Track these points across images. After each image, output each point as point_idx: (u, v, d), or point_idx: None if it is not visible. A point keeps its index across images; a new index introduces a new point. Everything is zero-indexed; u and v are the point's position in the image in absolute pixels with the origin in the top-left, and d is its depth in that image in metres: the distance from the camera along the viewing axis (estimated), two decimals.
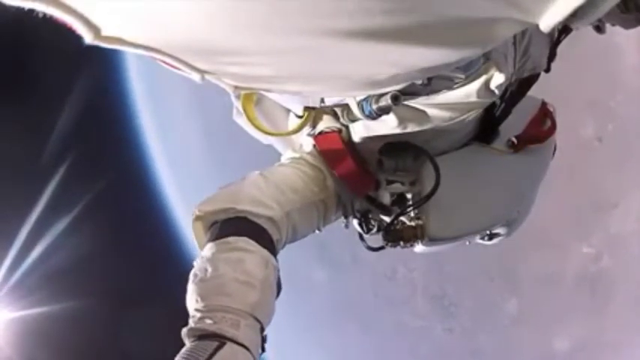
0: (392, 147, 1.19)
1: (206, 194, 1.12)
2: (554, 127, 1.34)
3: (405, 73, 0.73)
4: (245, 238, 0.99)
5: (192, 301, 0.92)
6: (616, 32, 1.10)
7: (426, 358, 5.21)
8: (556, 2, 0.54)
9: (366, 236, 1.35)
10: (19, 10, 0.50)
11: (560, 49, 1.22)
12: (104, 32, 0.58)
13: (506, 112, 1.24)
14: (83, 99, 4.89)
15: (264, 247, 1.01)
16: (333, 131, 1.23)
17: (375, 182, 1.27)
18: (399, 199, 1.26)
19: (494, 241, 1.41)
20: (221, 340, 0.84)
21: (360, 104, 0.99)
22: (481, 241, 1.41)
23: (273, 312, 0.97)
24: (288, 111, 1.21)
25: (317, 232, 1.27)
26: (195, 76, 0.70)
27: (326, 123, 1.23)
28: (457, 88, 1.01)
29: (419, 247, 1.25)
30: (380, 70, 0.71)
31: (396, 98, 0.91)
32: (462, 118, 1.09)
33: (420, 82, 0.98)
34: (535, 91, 1.30)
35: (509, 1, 0.55)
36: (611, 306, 3.93)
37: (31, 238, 4.62)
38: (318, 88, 0.87)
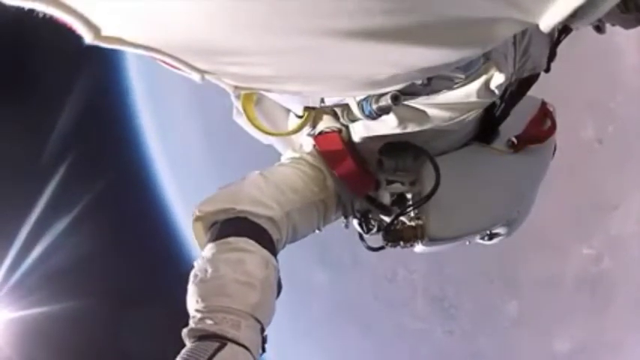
0: (392, 147, 1.19)
1: (206, 194, 1.12)
2: (554, 127, 1.34)
3: (405, 73, 0.73)
4: (245, 239, 0.99)
5: (192, 302, 0.92)
6: (616, 32, 1.10)
7: None
8: (556, 2, 0.54)
9: (366, 236, 1.35)
10: (19, 10, 0.50)
11: (560, 49, 1.22)
12: (104, 32, 0.58)
13: (506, 112, 1.24)
14: (83, 99, 4.89)
15: (265, 247, 1.01)
16: (333, 131, 1.23)
17: (375, 182, 1.27)
18: (399, 199, 1.26)
19: (495, 241, 1.41)
20: (222, 340, 0.84)
21: (360, 104, 0.99)
22: (481, 241, 1.41)
23: (274, 312, 0.97)
24: (288, 111, 1.21)
25: (317, 231, 1.27)
26: (195, 76, 0.70)
27: (326, 123, 1.23)
28: (457, 88, 1.01)
29: (419, 247, 1.25)
30: (380, 70, 0.71)
31: (396, 98, 0.91)
32: (461, 118, 1.09)
33: (420, 82, 0.98)
34: (535, 92, 1.30)
35: (509, 1, 0.55)
36: (611, 307, 3.93)
37: (31, 238, 4.62)
38: (318, 88, 0.87)
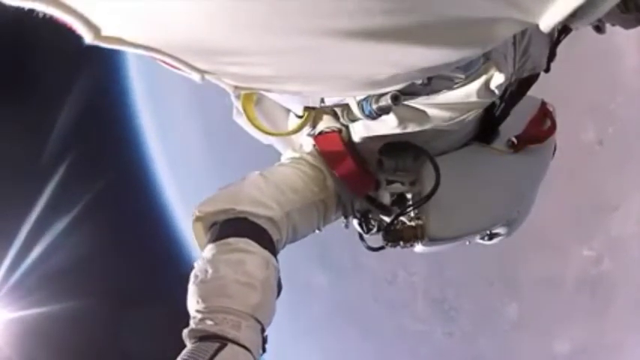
0: (392, 147, 1.19)
1: (206, 194, 1.12)
2: (554, 127, 1.34)
3: (405, 73, 0.73)
4: (245, 239, 0.99)
5: (193, 303, 0.92)
6: (616, 33, 1.10)
7: None
8: (556, 2, 0.54)
9: (366, 236, 1.35)
10: (19, 10, 0.50)
11: (560, 49, 1.22)
12: (104, 32, 0.58)
13: (506, 112, 1.24)
14: (83, 99, 4.89)
15: (265, 247, 1.01)
16: (333, 131, 1.23)
17: (375, 182, 1.27)
18: (399, 199, 1.26)
19: (495, 241, 1.41)
20: (222, 341, 0.84)
21: (360, 104, 0.99)
22: (481, 241, 1.41)
23: (274, 312, 0.97)
24: (288, 111, 1.21)
25: (317, 231, 1.27)
26: (195, 76, 0.70)
27: (326, 123, 1.23)
28: (457, 88, 1.01)
29: (419, 247, 1.25)
30: (380, 70, 0.71)
31: (396, 98, 0.91)
32: (461, 118, 1.09)
33: (420, 82, 0.98)
34: (535, 92, 1.30)
35: (509, 1, 0.55)
36: (611, 309, 3.93)
37: (31, 238, 4.62)
38: (318, 88, 0.87)
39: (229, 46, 0.63)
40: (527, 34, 1.09)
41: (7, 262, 4.52)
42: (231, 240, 0.99)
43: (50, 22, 0.54)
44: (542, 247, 4.02)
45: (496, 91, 1.02)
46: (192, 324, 0.89)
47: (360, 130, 1.21)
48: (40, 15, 0.52)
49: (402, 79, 0.82)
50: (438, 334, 4.98)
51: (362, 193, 1.29)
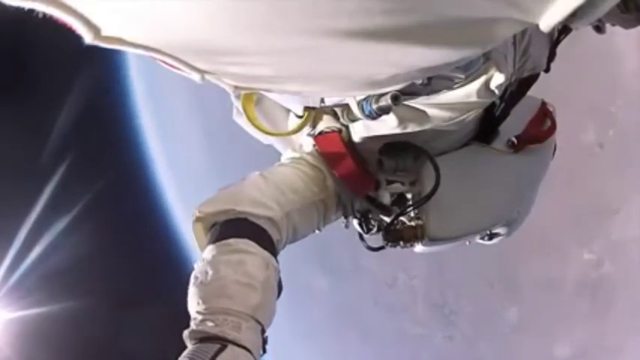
0: (392, 147, 1.19)
1: (206, 194, 1.12)
2: (554, 127, 1.34)
3: (405, 73, 0.73)
4: (245, 240, 0.99)
5: (193, 304, 0.92)
6: (616, 35, 1.10)
7: None
8: (556, 2, 0.54)
9: (366, 236, 1.35)
10: (19, 10, 0.50)
11: (560, 49, 1.22)
12: (104, 32, 0.58)
13: (506, 112, 1.24)
14: (83, 99, 4.89)
15: (265, 248, 1.01)
16: (333, 131, 1.23)
17: (375, 182, 1.27)
18: (399, 199, 1.26)
19: (495, 241, 1.41)
20: (222, 342, 0.84)
21: (360, 104, 0.99)
22: (481, 241, 1.41)
23: (274, 313, 0.97)
24: (288, 111, 1.21)
25: (317, 232, 1.27)
26: (195, 76, 0.70)
27: (326, 123, 1.23)
28: (457, 88, 1.01)
29: (419, 247, 1.25)
30: (380, 70, 0.71)
31: (396, 98, 0.91)
32: (461, 118, 1.09)
33: (420, 82, 0.98)
34: (535, 93, 1.30)
35: (509, 1, 0.55)
36: (611, 312, 3.92)
37: (31, 238, 4.61)
38: (318, 88, 0.87)
39: (229, 46, 0.63)
40: (527, 34, 1.09)
41: (7, 262, 4.51)
42: (232, 241, 0.99)
43: (50, 22, 0.53)
44: (543, 250, 4.02)
45: (496, 91, 1.02)
46: (192, 325, 0.89)
47: (360, 130, 1.21)
48: (40, 15, 0.52)
49: (402, 79, 0.82)
50: (438, 338, 4.98)
51: (362, 193, 1.29)
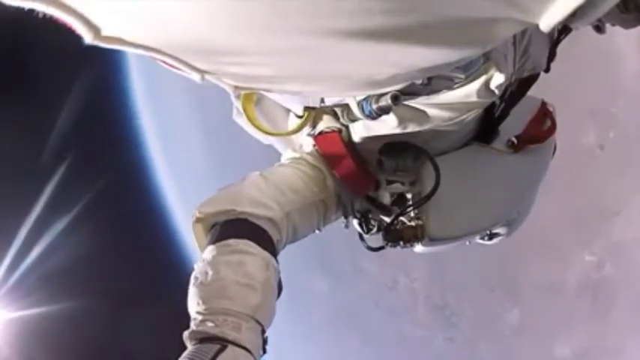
0: (392, 147, 1.19)
1: (206, 194, 1.12)
2: (554, 127, 1.34)
3: (404, 73, 0.73)
4: (246, 241, 0.99)
5: (193, 304, 0.92)
6: (616, 36, 1.10)
7: None
8: (556, 2, 0.54)
9: (366, 236, 1.35)
10: (19, 10, 0.50)
11: (560, 49, 1.22)
12: (104, 32, 0.58)
13: (506, 112, 1.24)
14: (83, 99, 4.90)
15: (265, 248, 1.01)
16: (333, 131, 1.23)
17: (375, 182, 1.27)
18: (399, 199, 1.26)
19: (495, 240, 1.41)
20: (223, 343, 0.84)
21: (360, 104, 0.99)
22: (481, 241, 1.41)
23: (275, 313, 0.97)
24: (288, 111, 1.21)
25: (317, 232, 1.27)
26: (195, 76, 0.70)
27: (326, 123, 1.23)
28: (457, 88, 1.01)
29: (419, 247, 1.25)
30: (380, 70, 0.71)
31: (396, 98, 0.91)
32: (461, 118, 1.09)
33: (420, 82, 0.98)
34: (535, 93, 1.30)
35: (509, 1, 0.55)
36: (612, 313, 3.92)
37: (31, 238, 4.62)
38: (318, 88, 0.87)
39: (229, 46, 0.63)
40: (527, 34, 1.09)
41: (7, 262, 4.52)
42: (232, 241, 0.99)
43: (50, 22, 0.53)
44: (544, 251, 4.01)
45: (496, 91, 1.03)
46: (192, 326, 0.89)
47: (360, 130, 1.21)
48: (40, 15, 0.52)
49: (402, 79, 0.82)
50: (439, 340, 4.97)
51: (362, 193, 1.29)
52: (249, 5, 0.54)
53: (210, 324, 0.87)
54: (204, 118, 5.87)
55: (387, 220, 1.27)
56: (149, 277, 5.47)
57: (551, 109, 1.35)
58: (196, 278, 0.95)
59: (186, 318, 0.92)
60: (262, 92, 1.04)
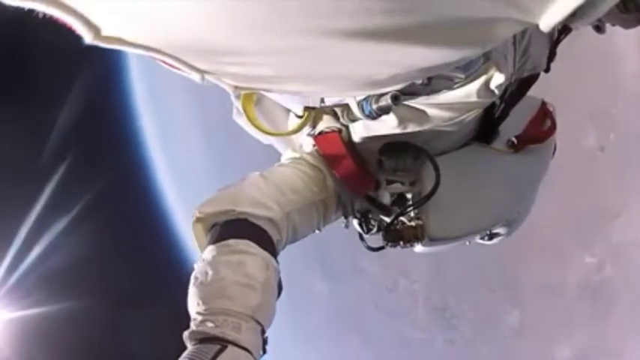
0: (392, 147, 1.19)
1: (206, 194, 1.12)
2: (554, 127, 1.34)
3: (404, 73, 0.73)
4: (246, 241, 0.99)
5: (193, 304, 0.92)
6: (616, 36, 1.10)
7: None
8: (556, 2, 0.54)
9: (366, 236, 1.35)
10: (19, 10, 0.50)
11: (560, 49, 1.22)
12: (104, 32, 0.58)
13: (506, 112, 1.24)
14: (83, 99, 4.90)
15: (265, 248, 1.01)
16: (333, 131, 1.23)
17: (375, 182, 1.27)
18: (399, 199, 1.26)
19: (495, 241, 1.41)
20: (222, 343, 0.84)
21: (360, 104, 0.99)
22: (481, 241, 1.41)
23: (275, 314, 0.97)
24: (288, 111, 1.21)
25: (317, 232, 1.27)
26: (195, 76, 0.70)
27: (326, 123, 1.23)
28: (457, 88, 1.01)
29: (419, 248, 1.25)
30: (380, 70, 0.71)
31: (396, 98, 0.91)
32: (461, 118, 1.09)
33: (420, 82, 0.98)
34: (535, 94, 1.30)
35: (509, 1, 0.55)
36: (612, 315, 3.91)
37: (30, 238, 4.61)
38: (318, 88, 0.87)
39: (229, 46, 0.63)
40: (527, 34, 1.09)
41: (7, 262, 4.51)
42: (232, 242, 0.99)
43: (50, 22, 0.53)
44: (544, 253, 4.01)
45: (496, 91, 1.03)
46: (192, 326, 0.89)
47: (360, 130, 1.21)
48: (40, 15, 0.52)
49: (402, 79, 0.82)
50: (439, 342, 4.97)
51: (362, 193, 1.29)
52: (249, 5, 0.54)
53: (210, 324, 0.87)
54: (204, 118, 5.87)
55: (387, 220, 1.27)
56: (149, 277, 5.46)
57: (551, 109, 1.35)
58: (196, 278, 0.95)
59: (186, 318, 0.92)
60: (262, 92, 1.04)
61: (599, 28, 1.10)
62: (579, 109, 3.56)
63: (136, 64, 5.85)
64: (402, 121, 1.09)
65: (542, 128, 1.33)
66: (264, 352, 0.93)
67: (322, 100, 1.08)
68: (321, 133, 1.24)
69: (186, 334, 0.89)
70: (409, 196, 1.24)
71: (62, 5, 0.52)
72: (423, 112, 1.07)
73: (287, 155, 1.30)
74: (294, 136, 1.26)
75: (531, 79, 1.23)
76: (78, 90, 4.87)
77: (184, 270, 0.99)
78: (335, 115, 1.19)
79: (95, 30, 0.56)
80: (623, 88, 3.58)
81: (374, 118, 0.99)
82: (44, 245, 4.72)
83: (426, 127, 1.11)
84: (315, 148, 1.25)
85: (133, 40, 0.61)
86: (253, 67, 0.69)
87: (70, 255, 4.80)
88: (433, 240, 1.22)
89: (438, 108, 1.06)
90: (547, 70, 1.23)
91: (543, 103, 1.35)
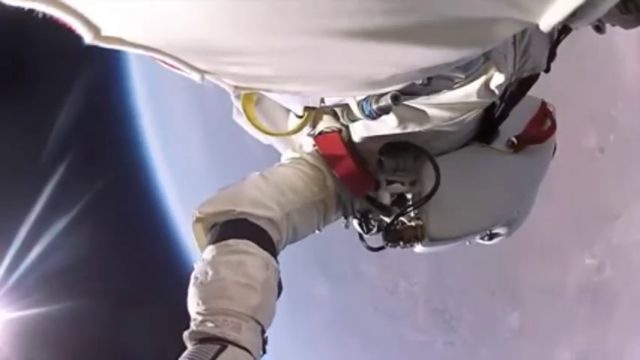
0: (392, 147, 1.19)
1: (206, 194, 1.12)
2: (554, 127, 1.34)
3: (404, 73, 0.73)
4: (245, 241, 0.99)
5: (193, 305, 0.92)
6: (616, 36, 1.09)
7: None
8: (556, 2, 0.54)
9: (366, 236, 1.35)
10: (19, 10, 0.50)
11: (560, 50, 1.22)
12: (104, 32, 0.58)
13: (506, 112, 1.24)
14: (83, 99, 4.90)
15: (265, 249, 1.01)
16: (333, 131, 1.23)
17: (375, 182, 1.27)
18: (399, 199, 1.26)
19: (495, 241, 1.41)
20: (222, 343, 0.84)
21: (360, 104, 0.99)
22: (481, 241, 1.41)
23: (274, 314, 0.97)
24: (288, 111, 1.21)
25: (317, 232, 1.27)
26: (195, 76, 0.70)
27: (326, 123, 1.23)
28: (457, 88, 1.01)
29: (419, 248, 1.25)
30: (380, 70, 0.71)
31: (396, 98, 0.91)
32: (461, 118, 1.09)
33: (420, 82, 0.98)
34: (535, 94, 1.30)
35: (509, 1, 0.55)
36: (613, 316, 3.91)
37: (30, 238, 4.61)
38: (318, 88, 0.87)
39: (229, 46, 0.63)
40: (527, 34, 1.09)
41: (7, 262, 4.51)
42: (231, 242, 0.99)
43: (50, 22, 0.53)
44: (544, 255, 4.01)
45: (496, 91, 1.03)
46: (192, 326, 0.89)
47: (360, 130, 1.21)
48: (40, 15, 0.52)
49: (402, 79, 0.82)
50: (439, 344, 4.97)
51: (362, 193, 1.29)
52: (249, 5, 0.54)
53: (210, 324, 0.87)
54: (204, 118, 5.87)
55: (387, 220, 1.27)
56: (149, 277, 5.46)
57: (551, 109, 1.35)
58: (196, 278, 0.95)
59: (186, 318, 0.92)
60: (262, 92, 1.04)
61: (599, 28, 1.10)
62: (579, 110, 3.55)
63: (136, 64, 5.86)
64: (402, 121, 1.09)
65: (542, 128, 1.33)
66: (264, 352, 0.93)
67: (322, 100, 1.08)
68: (321, 133, 1.24)
69: (186, 334, 0.89)
70: (409, 196, 1.24)
71: (62, 5, 0.52)
72: (423, 112, 1.07)
73: (287, 155, 1.30)
74: (294, 136, 1.26)
75: (531, 79, 1.23)
76: (78, 90, 4.88)
77: (184, 270, 0.99)
78: (335, 115, 1.19)
79: (95, 30, 0.56)
80: (623, 90, 3.58)
81: (374, 118, 0.99)
82: (44, 245, 4.72)
83: (426, 127, 1.11)
84: (315, 148, 1.25)
85: (133, 40, 0.61)
86: (253, 67, 0.69)
87: (69, 255, 4.80)
88: (433, 240, 1.22)
89: (438, 108, 1.06)
90: (547, 70, 1.24)
91: (543, 103, 1.35)
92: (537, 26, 0.57)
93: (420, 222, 1.20)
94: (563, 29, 1.14)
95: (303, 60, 0.66)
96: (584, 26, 0.67)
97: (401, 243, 1.22)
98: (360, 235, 1.37)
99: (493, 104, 1.19)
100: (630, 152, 3.61)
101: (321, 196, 1.21)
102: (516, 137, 1.28)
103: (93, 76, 5.00)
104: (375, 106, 0.96)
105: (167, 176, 6.44)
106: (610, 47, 3.31)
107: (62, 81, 4.83)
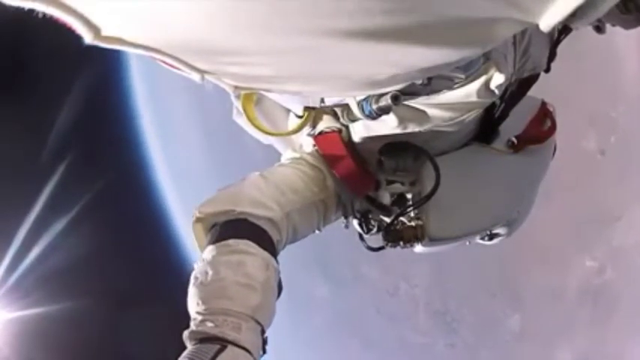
0: (392, 147, 1.19)
1: (206, 194, 1.12)
2: (554, 127, 1.34)
3: (404, 73, 0.73)
4: (245, 241, 0.99)
5: (193, 304, 0.92)
6: (616, 36, 1.09)
7: None
8: (556, 2, 0.54)
9: (366, 236, 1.35)
10: (19, 10, 0.50)
11: (560, 50, 1.22)
12: (104, 32, 0.58)
13: (506, 113, 1.24)
14: (83, 99, 4.90)
15: (265, 249, 1.01)
16: (333, 131, 1.23)
17: (375, 182, 1.27)
18: (399, 199, 1.26)
19: (495, 241, 1.41)
20: (222, 343, 0.84)
21: (360, 104, 0.99)
22: (481, 242, 1.41)
23: (274, 314, 0.97)
24: (288, 111, 1.21)
25: (317, 232, 1.27)
26: (195, 76, 0.70)
27: (326, 123, 1.23)
28: (457, 88, 1.01)
29: (419, 248, 1.25)
30: (380, 70, 0.72)
31: (396, 98, 0.92)
32: (462, 118, 1.10)
33: (420, 82, 0.98)
34: (535, 94, 1.30)
35: (509, 1, 0.55)
36: (613, 319, 3.91)
37: (30, 238, 4.61)
38: (318, 88, 0.87)
39: (229, 46, 0.63)
40: (527, 34, 1.09)
41: (6, 262, 4.51)
42: (231, 242, 0.99)
43: (50, 22, 0.53)
44: (544, 257, 4.01)
45: (496, 91, 1.03)
46: (192, 326, 0.89)
47: (360, 130, 1.21)
48: (40, 15, 0.52)
49: (402, 79, 0.82)
50: (440, 346, 4.97)
51: (362, 193, 1.29)
52: (249, 5, 0.54)
53: (210, 324, 0.87)
54: (204, 118, 5.87)
55: (387, 220, 1.27)
56: (149, 277, 5.46)
57: (551, 110, 1.35)
58: (196, 278, 0.95)
59: (186, 318, 0.92)
60: (262, 92, 1.04)
61: (599, 29, 1.10)
62: (579, 111, 3.55)
63: (136, 64, 5.86)
64: (402, 121, 1.09)
65: (542, 128, 1.33)
66: (264, 352, 0.93)
67: (322, 100, 1.08)
68: (321, 133, 1.24)
69: (186, 333, 0.89)
70: (409, 196, 1.24)
71: (62, 5, 0.52)
72: (423, 112, 1.07)
73: (287, 155, 1.30)
74: (294, 136, 1.26)
75: (531, 80, 1.23)
76: (78, 90, 4.88)
77: (184, 270, 0.99)
78: (335, 115, 1.19)
79: (95, 30, 0.56)
80: (623, 91, 3.58)
81: (374, 118, 0.99)
82: (43, 245, 4.72)
83: (426, 127, 1.11)
84: (315, 148, 1.25)
85: (133, 40, 0.61)
86: (253, 67, 0.69)
87: (69, 255, 4.80)
88: (433, 240, 1.22)
89: (438, 108, 1.06)
90: (547, 70, 1.24)
91: (543, 104, 1.35)
92: (537, 26, 0.57)
93: (420, 222, 1.20)
94: (563, 29, 1.14)
95: (303, 60, 0.66)
96: (584, 26, 0.68)
97: (401, 243, 1.22)
98: (360, 235, 1.37)
99: (493, 104, 1.19)
100: (631, 154, 3.61)
101: (321, 196, 1.21)
102: (516, 137, 1.28)
103: (93, 76, 5.00)
104: (375, 106, 0.96)
105: (167, 176, 6.45)
106: (610, 47, 3.31)
107: (62, 81, 4.84)
